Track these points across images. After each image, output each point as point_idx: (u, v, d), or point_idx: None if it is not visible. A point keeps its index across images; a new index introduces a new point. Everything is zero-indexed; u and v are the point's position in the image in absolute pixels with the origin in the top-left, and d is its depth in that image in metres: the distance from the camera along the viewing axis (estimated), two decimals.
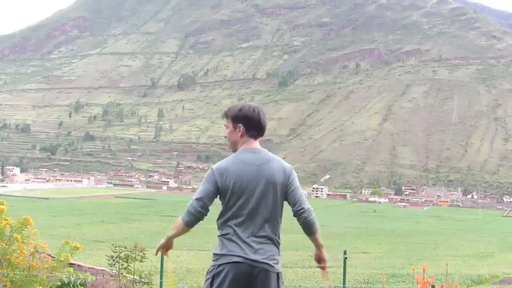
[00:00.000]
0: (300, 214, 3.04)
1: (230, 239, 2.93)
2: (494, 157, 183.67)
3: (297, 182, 3.05)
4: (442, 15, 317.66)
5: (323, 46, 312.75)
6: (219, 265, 2.92)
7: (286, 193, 3.00)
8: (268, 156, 3.02)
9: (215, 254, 2.99)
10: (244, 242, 2.91)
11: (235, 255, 2.89)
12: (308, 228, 3.11)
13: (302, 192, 3.07)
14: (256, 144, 3.06)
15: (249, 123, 3.03)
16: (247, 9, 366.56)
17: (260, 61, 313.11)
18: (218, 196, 3.00)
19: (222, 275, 2.89)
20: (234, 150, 3.09)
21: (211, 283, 2.93)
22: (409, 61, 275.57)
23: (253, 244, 2.91)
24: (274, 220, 2.99)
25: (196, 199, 3.00)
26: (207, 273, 3.01)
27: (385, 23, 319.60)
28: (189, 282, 18.88)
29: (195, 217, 2.98)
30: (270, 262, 2.91)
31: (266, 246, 2.92)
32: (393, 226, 71.29)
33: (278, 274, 2.97)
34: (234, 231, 2.93)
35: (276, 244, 3.00)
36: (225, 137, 3.19)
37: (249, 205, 2.94)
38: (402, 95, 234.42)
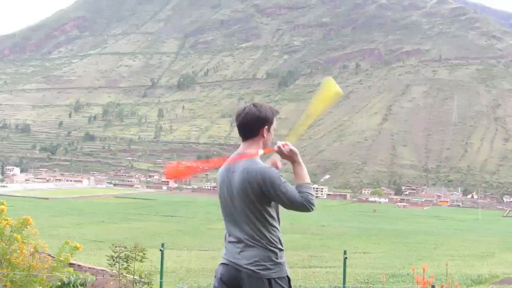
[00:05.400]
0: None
1: (225, 242, 3.05)
2: (494, 157, 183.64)
3: (274, 186, 2.87)
4: (442, 15, 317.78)
5: (323, 46, 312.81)
6: (219, 265, 3.04)
7: (266, 196, 2.91)
8: (247, 160, 2.98)
9: None
10: (230, 245, 2.98)
11: (224, 258, 3.00)
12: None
13: (286, 191, 2.88)
14: (243, 146, 3.06)
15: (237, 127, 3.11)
16: (247, 9, 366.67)
17: (260, 61, 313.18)
18: None
19: (216, 274, 3.02)
20: None
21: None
22: (409, 61, 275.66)
23: (236, 248, 2.94)
24: (253, 224, 2.92)
25: None
26: None
27: (385, 23, 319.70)
28: (189, 282, 18.86)
29: None
30: (254, 268, 2.88)
31: (251, 251, 2.91)
32: (393, 226, 71.28)
33: (271, 280, 2.89)
34: (226, 235, 3.04)
35: (266, 248, 2.92)
36: None
37: (228, 210, 3.00)
38: (402, 95, 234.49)
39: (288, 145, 3.01)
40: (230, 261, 2.94)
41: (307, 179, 2.97)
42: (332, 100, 3.22)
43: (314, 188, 2.90)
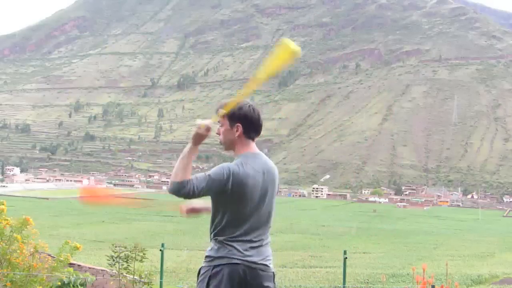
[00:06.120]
0: None
1: (229, 242, 2.89)
2: (494, 157, 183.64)
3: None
4: (442, 15, 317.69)
5: (323, 46, 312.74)
6: (215, 266, 2.88)
7: None
8: (268, 162, 2.99)
9: (209, 256, 2.93)
10: (242, 244, 2.89)
11: (233, 257, 2.87)
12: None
13: None
14: (255, 146, 2.99)
15: (249, 124, 2.92)
16: (247, 9, 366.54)
17: (260, 61, 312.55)
18: (219, 196, 2.87)
19: (219, 276, 2.85)
20: (228, 149, 3.02)
21: (208, 284, 2.88)
22: (409, 61, 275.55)
23: (251, 246, 2.91)
24: (269, 224, 3.00)
25: (200, 189, 2.79)
26: (199, 274, 2.96)
27: (385, 23, 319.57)
28: (189, 282, 18.87)
29: (187, 198, 2.84)
30: (267, 263, 2.95)
31: (263, 248, 2.95)
32: (393, 226, 71.26)
33: (273, 273, 3.01)
34: (234, 234, 2.89)
35: (269, 244, 3.05)
36: (217, 134, 3.05)
37: (253, 211, 2.90)
38: (402, 95, 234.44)
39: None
40: (243, 260, 2.88)
41: None
42: (289, 58, 2.81)
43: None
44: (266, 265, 2.93)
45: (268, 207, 2.96)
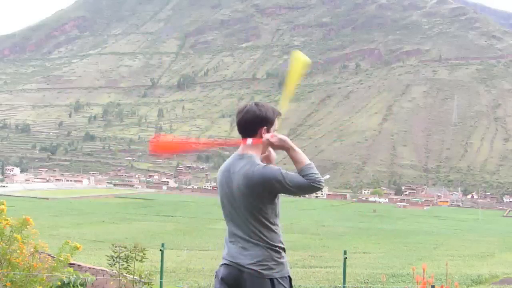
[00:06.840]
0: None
1: (225, 243, 3.01)
2: (494, 157, 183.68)
3: (280, 182, 2.82)
4: (442, 15, 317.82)
5: (323, 46, 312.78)
6: (220, 265, 2.99)
7: (271, 194, 2.88)
8: (242, 163, 2.91)
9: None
10: (231, 245, 2.93)
11: (226, 258, 2.94)
12: None
13: (292, 181, 2.85)
14: (244, 147, 2.98)
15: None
16: (247, 9, 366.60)
17: (260, 61, 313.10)
18: None
19: (217, 276, 2.98)
20: None
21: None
22: (409, 61, 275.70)
23: (238, 248, 2.89)
24: (254, 225, 2.87)
25: None
26: None
27: (385, 23, 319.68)
28: (189, 282, 18.88)
29: None
30: (257, 268, 2.84)
31: (253, 251, 2.86)
32: (393, 226, 71.28)
33: (273, 280, 2.86)
34: (227, 235, 2.99)
35: (268, 248, 2.88)
36: None
37: (228, 210, 2.95)
38: (402, 95, 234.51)
39: (276, 135, 2.96)
40: (232, 262, 2.89)
41: (306, 160, 2.91)
42: (303, 70, 3.16)
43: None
44: (256, 270, 2.84)
45: (243, 206, 2.87)
